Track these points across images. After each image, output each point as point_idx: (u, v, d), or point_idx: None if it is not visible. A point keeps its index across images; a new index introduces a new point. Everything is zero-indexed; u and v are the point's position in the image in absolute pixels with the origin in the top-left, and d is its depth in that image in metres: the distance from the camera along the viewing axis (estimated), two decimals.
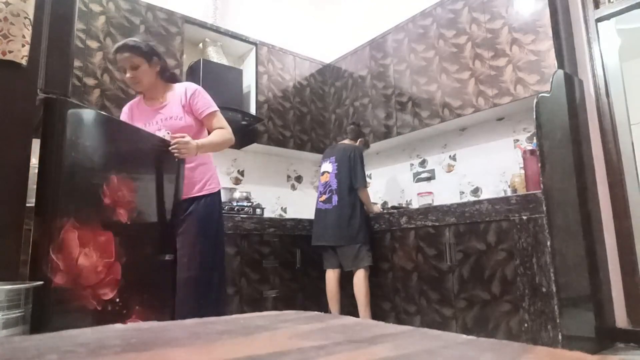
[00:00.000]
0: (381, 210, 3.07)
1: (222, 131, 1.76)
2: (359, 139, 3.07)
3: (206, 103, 1.77)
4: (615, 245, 2.30)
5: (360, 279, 2.67)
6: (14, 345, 0.29)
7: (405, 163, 3.57)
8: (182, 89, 1.77)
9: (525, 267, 2.06)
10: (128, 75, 1.67)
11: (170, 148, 1.56)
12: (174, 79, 1.84)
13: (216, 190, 1.81)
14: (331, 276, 2.79)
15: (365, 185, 2.84)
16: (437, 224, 2.52)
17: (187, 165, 1.70)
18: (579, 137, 2.36)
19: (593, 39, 2.45)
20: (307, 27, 4.33)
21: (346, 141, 3.04)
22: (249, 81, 3.51)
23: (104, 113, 1.37)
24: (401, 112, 3.22)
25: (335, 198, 2.80)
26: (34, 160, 1.10)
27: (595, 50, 2.44)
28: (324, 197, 2.86)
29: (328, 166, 2.93)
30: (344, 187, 2.80)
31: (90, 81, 2.59)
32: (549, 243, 1.97)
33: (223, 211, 2.85)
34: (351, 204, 2.78)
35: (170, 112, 1.73)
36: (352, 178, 2.81)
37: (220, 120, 1.78)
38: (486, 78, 2.67)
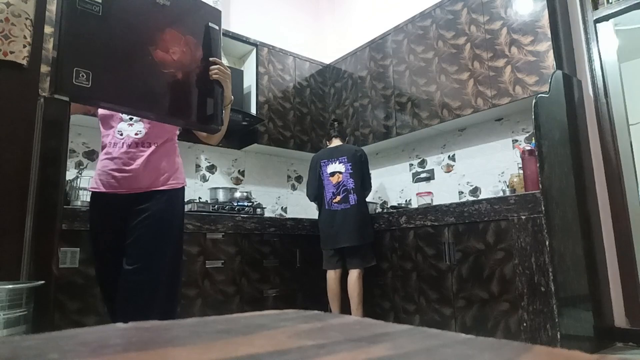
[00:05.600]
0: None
1: None
2: (346, 137, 3.16)
3: None
4: (614, 244, 2.30)
5: (356, 278, 2.69)
6: (15, 345, 0.29)
7: (404, 163, 3.58)
8: None
9: (524, 267, 2.06)
10: None
11: (211, 67, 1.45)
12: None
13: (181, 186, 1.62)
14: (332, 276, 2.80)
15: (371, 188, 2.98)
16: (436, 223, 2.52)
17: (150, 151, 1.54)
18: (577, 137, 2.37)
19: (592, 40, 2.46)
20: (307, 28, 4.33)
21: (339, 140, 3.04)
22: (249, 82, 3.51)
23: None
24: (400, 113, 3.22)
25: (353, 197, 2.81)
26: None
27: (594, 51, 2.45)
28: (339, 197, 2.85)
29: (339, 166, 2.91)
30: (359, 186, 2.85)
31: None
32: (547, 242, 1.98)
33: (223, 211, 2.89)
34: (366, 203, 2.88)
35: None
36: (362, 180, 2.88)
37: None
38: (485, 79, 2.67)
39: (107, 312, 1.60)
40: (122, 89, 1.20)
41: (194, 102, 1.40)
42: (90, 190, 1.56)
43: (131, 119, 1.54)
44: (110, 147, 1.53)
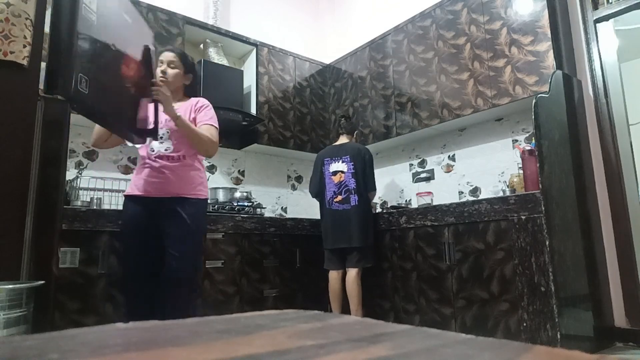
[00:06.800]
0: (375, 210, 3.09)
1: (207, 131, 1.81)
2: (355, 132, 3.10)
3: (210, 117, 1.88)
4: (614, 244, 2.30)
5: (354, 278, 2.68)
6: (15, 345, 0.29)
7: (404, 163, 3.58)
8: (196, 100, 1.92)
9: (524, 267, 2.06)
10: (162, 68, 1.85)
11: (152, 86, 1.63)
12: (193, 95, 2.00)
13: (205, 197, 1.87)
14: (335, 277, 2.79)
15: (375, 189, 2.90)
16: (436, 223, 2.52)
17: (178, 163, 1.80)
18: (577, 137, 2.37)
19: (592, 40, 2.46)
20: (307, 28, 4.33)
21: (345, 138, 3.02)
22: (249, 82, 3.51)
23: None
24: (400, 113, 3.22)
25: (355, 198, 2.78)
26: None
27: (594, 51, 2.45)
28: (340, 197, 2.82)
29: (342, 165, 2.88)
30: (362, 186, 2.81)
31: None
32: (547, 242, 1.98)
33: (223, 211, 2.90)
34: (368, 204, 2.84)
35: (179, 113, 1.79)
36: (365, 180, 2.83)
37: (211, 132, 1.84)
38: (485, 79, 2.67)
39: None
40: (103, 99, 1.23)
41: (142, 117, 1.55)
42: (125, 195, 1.84)
43: (161, 137, 1.80)
44: (145, 159, 1.82)
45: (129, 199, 1.83)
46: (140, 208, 1.78)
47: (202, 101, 1.91)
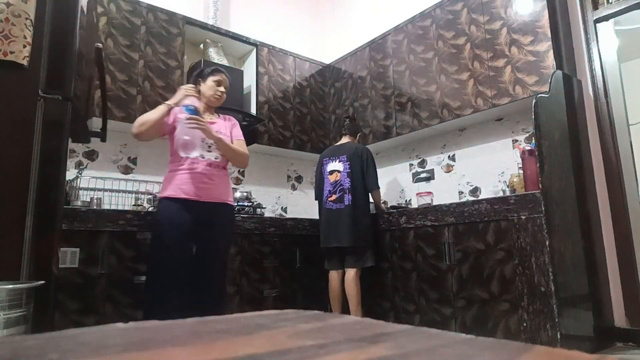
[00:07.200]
0: (385, 209, 3.05)
1: (241, 146, 2.11)
2: (358, 134, 3.09)
3: (241, 133, 2.20)
4: (614, 244, 2.30)
5: (352, 278, 2.68)
6: (15, 345, 0.29)
7: (404, 163, 3.58)
8: (228, 118, 2.21)
9: (524, 267, 2.06)
10: (222, 89, 2.11)
11: (189, 118, 1.85)
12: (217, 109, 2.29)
13: (233, 203, 2.11)
14: (335, 277, 2.79)
15: (379, 186, 2.87)
16: (436, 223, 2.52)
17: (223, 172, 2.04)
18: (577, 137, 2.37)
19: (592, 40, 2.46)
20: (307, 28, 4.33)
21: (347, 138, 3.03)
22: (249, 82, 3.51)
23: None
24: (400, 113, 3.22)
25: (348, 197, 2.77)
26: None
27: (594, 51, 2.45)
28: (334, 196, 2.82)
29: (338, 165, 2.88)
30: (358, 186, 2.79)
31: None
32: (547, 243, 1.98)
33: None
34: (364, 203, 2.81)
35: (220, 129, 2.08)
36: (365, 179, 2.81)
37: (244, 146, 2.15)
38: (485, 79, 2.67)
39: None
40: (81, 99, 1.26)
41: (89, 117, 1.63)
42: (166, 197, 1.91)
43: (209, 146, 1.97)
44: (193, 165, 1.94)
45: (175, 201, 1.90)
46: (186, 211, 1.89)
47: (233, 119, 2.21)
